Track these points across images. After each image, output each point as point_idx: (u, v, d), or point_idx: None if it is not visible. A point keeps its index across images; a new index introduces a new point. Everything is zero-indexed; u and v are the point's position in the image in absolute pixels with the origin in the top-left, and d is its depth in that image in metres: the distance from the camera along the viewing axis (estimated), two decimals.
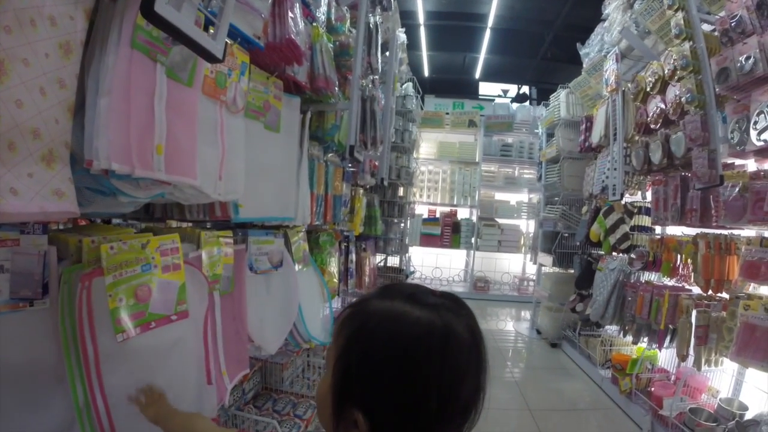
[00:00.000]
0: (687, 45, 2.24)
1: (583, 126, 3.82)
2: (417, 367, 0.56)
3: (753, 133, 1.94)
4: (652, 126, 2.79)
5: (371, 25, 2.20)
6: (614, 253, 3.30)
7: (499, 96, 8.08)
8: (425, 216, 6.62)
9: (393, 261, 4.98)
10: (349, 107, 2.02)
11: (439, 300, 0.64)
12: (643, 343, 2.80)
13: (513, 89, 8.16)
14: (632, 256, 2.94)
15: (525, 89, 8.03)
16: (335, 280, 2.54)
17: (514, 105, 6.71)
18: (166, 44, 0.93)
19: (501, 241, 6.29)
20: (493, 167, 6.48)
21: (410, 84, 4.42)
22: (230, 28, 1.08)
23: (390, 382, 0.56)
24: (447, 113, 6.42)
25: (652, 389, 2.58)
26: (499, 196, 6.59)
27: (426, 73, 8.18)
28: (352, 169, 2.85)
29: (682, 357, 2.36)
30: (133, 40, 0.85)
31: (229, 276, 1.38)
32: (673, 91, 2.56)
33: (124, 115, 0.84)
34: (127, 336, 0.90)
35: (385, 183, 3.53)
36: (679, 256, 2.63)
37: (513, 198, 6.59)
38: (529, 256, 6.44)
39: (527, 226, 6.51)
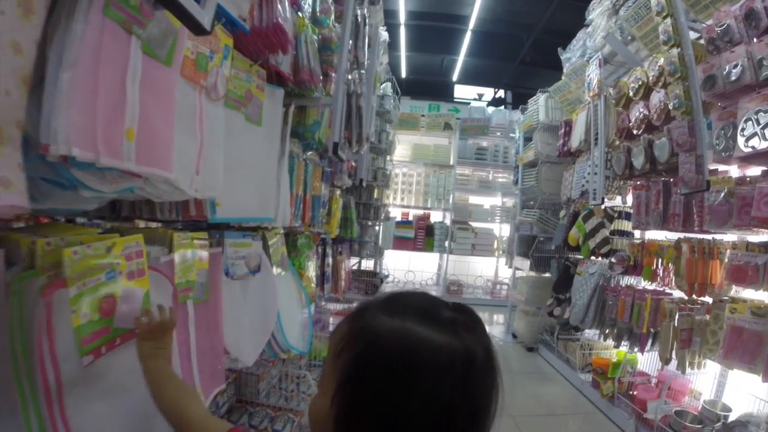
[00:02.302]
0: (675, 51, 2.24)
1: (562, 130, 3.83)
2: (439, 399, 0.50)
3: (741, 140, 1.95)
4: (635, 131, 2.80)
5: (359, 18, 2.09)
6: (593, 258, 3.30)
7: (475, 99, 8.11)
8: (398, 219, 6.55)
9: (366, 264, 4.88)
10: (334, 102, 1.91)
11: (454, 315, 0.56)
12: (625, 347, 2.79)
13: (488, 93, 8.22)
14: (612, 260, 2.94)
15: (501, 93, 8.10)
16: (313, 285, 2.41)
17: (490, 109, 6.74)
18: (144, 14, 0.80)
19: (475, 245, 6.28)
20: (467, 170, 6.47)
21: (389, 84, 4.34)
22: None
23: (409, 416, 0.50)
24: (423, 115, 6.38)
25: (635, 393, 2.58)
26: (473, 199, 6.59)
27: (403, 74, 8.12)
28: (329, 169, 2.74)
29: (665, 360, 2.37)
30: (106, 6, 0.72)
31: (203, 282, 1.24)
32: (657, 97, 2.57)
33: (90, 92, 0.70)
34: (94, 358, 0.76)
35: (364, 184, 3.43)
36: (660, 261, 2.65)
37: (487, 202, 6.61)
38: (502, 259, 6.50)
39: (500, 229, 6.53)
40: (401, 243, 6.33)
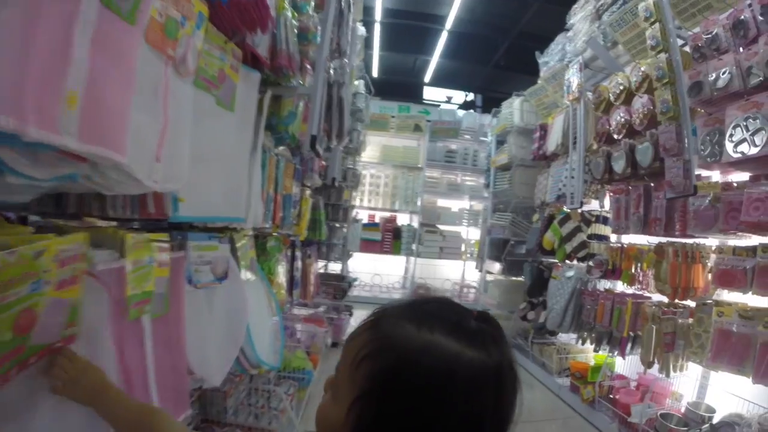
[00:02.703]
0: (663, 56, 2.22)
1: (537, 134, 3.80)
2: (471, 416, 0.49)
3: (729, 146, 1.95)
4: (615, 136, 2.78)
5: (342, 3, 1.92)
6: (568, 261, 3.27)
7: (445, 102, 8.07)
8: (365, 221, 6.40)
9: (333, 267, 4.69)
10: (313, 91, 1.73)
11: (480, 326, 0.54)
12: (604, 351, 2.76)
13: (458, 96, 8.19)
14: (590, 264, 2.90)
15: (471, 97, 8.09)
16: (284, 292, 2.22)
17: (460, 112, 6.70)
18: None
19: (443, 248, 6.22)
20: (436, 173, 6.40)
21: (362, 82, 4.18)
22: None
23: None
24: (393, 116, 6.26)
25: (617, 396, 2.54)
26: (442, 202, 6.53)
27: (375, 73, 7.95)
28: (300, 167, 2.57)
29: (648, 364, 2.37)
30: None
31: (163, 293, 1.04)
32: (639, 102, 2.57)
33: (19, 41, 0.51)
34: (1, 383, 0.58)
35: (336, 183, 3.25)
36: (639, 265, 2.63)
37: (455, 205, 6.56)
38: (469, 263, 6.47)
39: (467, 233, 6.50)
40: (368, 245, 6.18)
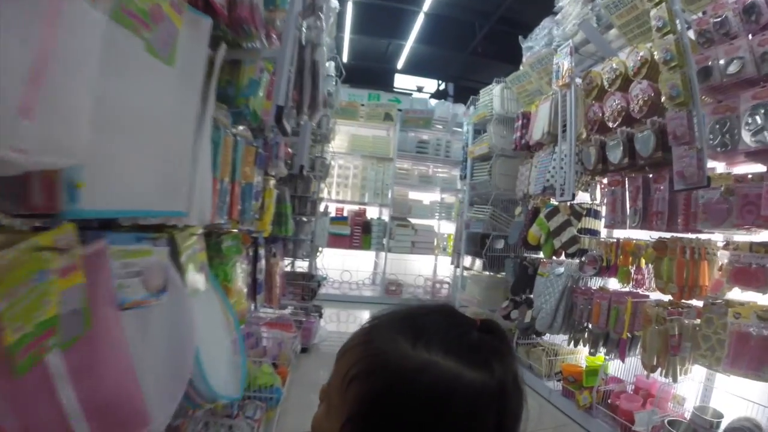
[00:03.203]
0: (671, 38, 2.03)
1: (519, 122, 3.57)
2: None
3: (746, 135, 1.80)
4: (611, 124, 2.59)
5: None
6: (555, 257, 3.07)
7: (418, 90, 7.75)
8: (333, 214, 6.05)
9: (300, 265, 4.31)
10: (281, 53, 1.39)
11: (482, 338, 0.50)
12: (601, 353, 2.56)
13: (429, 86, 7.87)
14: (583, 260, 2.70)
15: (443, 86, 7.79)
16: (244, 301, 1.87)
17: (433, 101, 6.41)
18: None
19: (414, 243, 5.96)
20: (407, 164, 6.12)
21: (332, 63, 3.82)
22: None
23: None
24: (362, 104, 5.92)
25: (618, 403, 2.35)
26: (413, 195, 6.26)
27: (345, 58, 7.51)
28: (263, 153, 2.22)
29: (650, 368, 2.19)
30: None
31: (79, 308, 0.71)
32: (638, 88, 2.39)
33: None
34: None
35: (305, 173, 2.90)
36: (636, 261, 2.45)
37: (427, 197, 6.31)
38: (441, 258, 6.26)
39: (438, 226, 6.27)
40: (336, 240, 5.85)
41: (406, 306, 0.55)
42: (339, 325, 5.06)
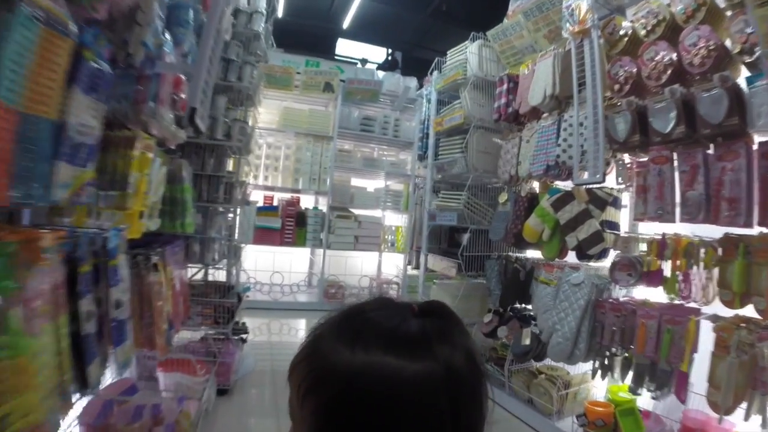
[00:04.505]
0: None
1: (504, 86, 2.84)
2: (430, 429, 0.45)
3: None
4: (652, 82, 1.93)
5: None
6: (558, 260, 2.38)
7: (363, 60, 6.75)
8: (260, 204, 5.02)
9: (218, 274, 3.19)
10: None
11: (423, 324, 0.48)
12: (647, 390, 1.89)
13: (375, 56, 6.86)
14: (615, 263, 2.01)
15: (393, 57, 6.84)
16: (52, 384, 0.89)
17: (381, 73, 5.51)
18: None
19: (358, 237, 5.09)
20: (348, 145, 5.22)
21: None
22: None
23: None
24: (298, 72, 4.90)
25: None
26: (356, 181, 5.38)
27: (279, 13, 6.13)
28: (111, 72, 1.26)
29: (727, 410, 1.57)
30: None
31: None
32: (695, 36, 1.77)
33: None
34: None
35: (201, 128, 1.83)
36: (693, 264, 1.80)
37: (371, 184, 5.46)
38: (387, 255, 5.47)
39: (383, 217, 5.45)
40: (264, 235, 4.82)
41: (343, 308, 0.53)
42: (270, 337, 4.10)
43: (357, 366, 0.45)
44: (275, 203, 5.17)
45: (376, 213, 5.37)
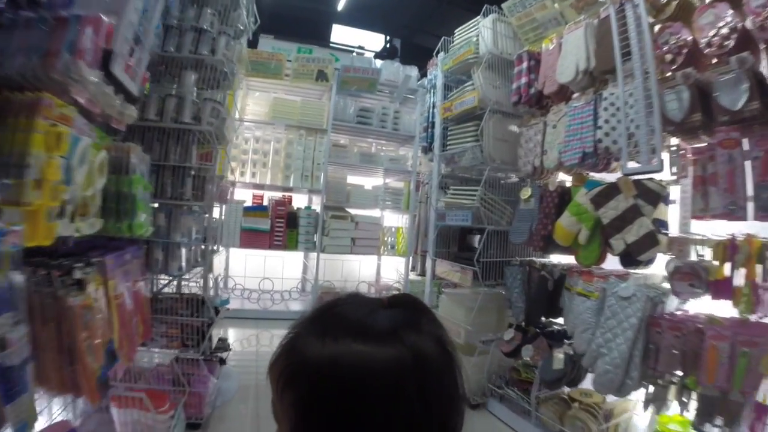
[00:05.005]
0: None
1: (524, 65, 2.45)
2: (397, 420, 0.44)
3: None
4: (713, 51, 1.56)
5: None
6: (596, 267, 1.99)
7: (360, 48, 6.31)
8: (248, 204, 4.62)
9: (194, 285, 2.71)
10: None
11: (392, 315, 0.50)
12: (713, 426, 1.51)
13: (373, 44, 6.40)
14: (674, 270, 1.62)
15: (392, 45, 6.39)
16: None
17: (378, 62, 5.10)
18: None
19: (355, 239, 4.68)
20: (343, 139, 4.83)
21: None
22: None
23: None
24: (289, 60, 4.50)
25: None
26: (352, 179, 4.99)
27: None
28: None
29: None
30: None
31: None
32: None
33: None
34: None
35: (126, 85, 1.36)
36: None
37: (369, 182, 5.07)
38: (386, 258, 5.08)
39: (383, 217, 5.06)
40: (252, 238, 4.43)
41: (317, 305, 0.54)
42: (259, 349, 3.70)
43: (327, 356, 0.46)
44: (265, 203, 4.78)
45: (375, 213, 4.97)
